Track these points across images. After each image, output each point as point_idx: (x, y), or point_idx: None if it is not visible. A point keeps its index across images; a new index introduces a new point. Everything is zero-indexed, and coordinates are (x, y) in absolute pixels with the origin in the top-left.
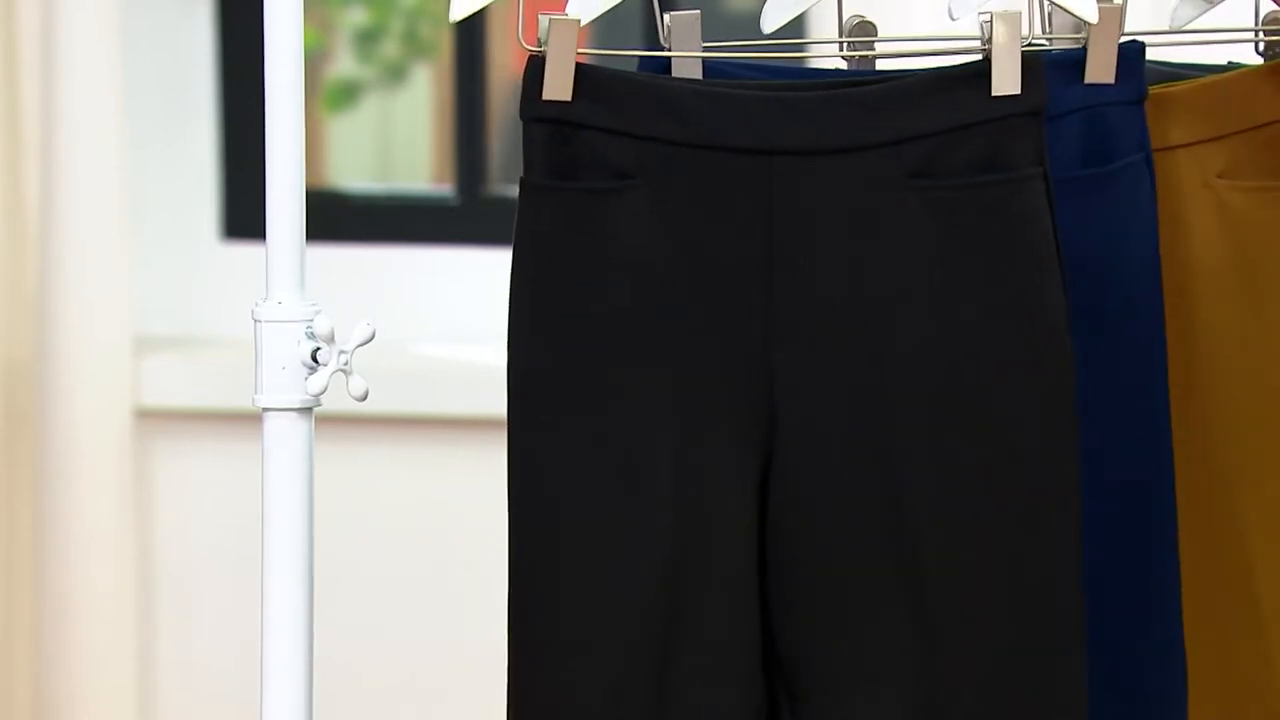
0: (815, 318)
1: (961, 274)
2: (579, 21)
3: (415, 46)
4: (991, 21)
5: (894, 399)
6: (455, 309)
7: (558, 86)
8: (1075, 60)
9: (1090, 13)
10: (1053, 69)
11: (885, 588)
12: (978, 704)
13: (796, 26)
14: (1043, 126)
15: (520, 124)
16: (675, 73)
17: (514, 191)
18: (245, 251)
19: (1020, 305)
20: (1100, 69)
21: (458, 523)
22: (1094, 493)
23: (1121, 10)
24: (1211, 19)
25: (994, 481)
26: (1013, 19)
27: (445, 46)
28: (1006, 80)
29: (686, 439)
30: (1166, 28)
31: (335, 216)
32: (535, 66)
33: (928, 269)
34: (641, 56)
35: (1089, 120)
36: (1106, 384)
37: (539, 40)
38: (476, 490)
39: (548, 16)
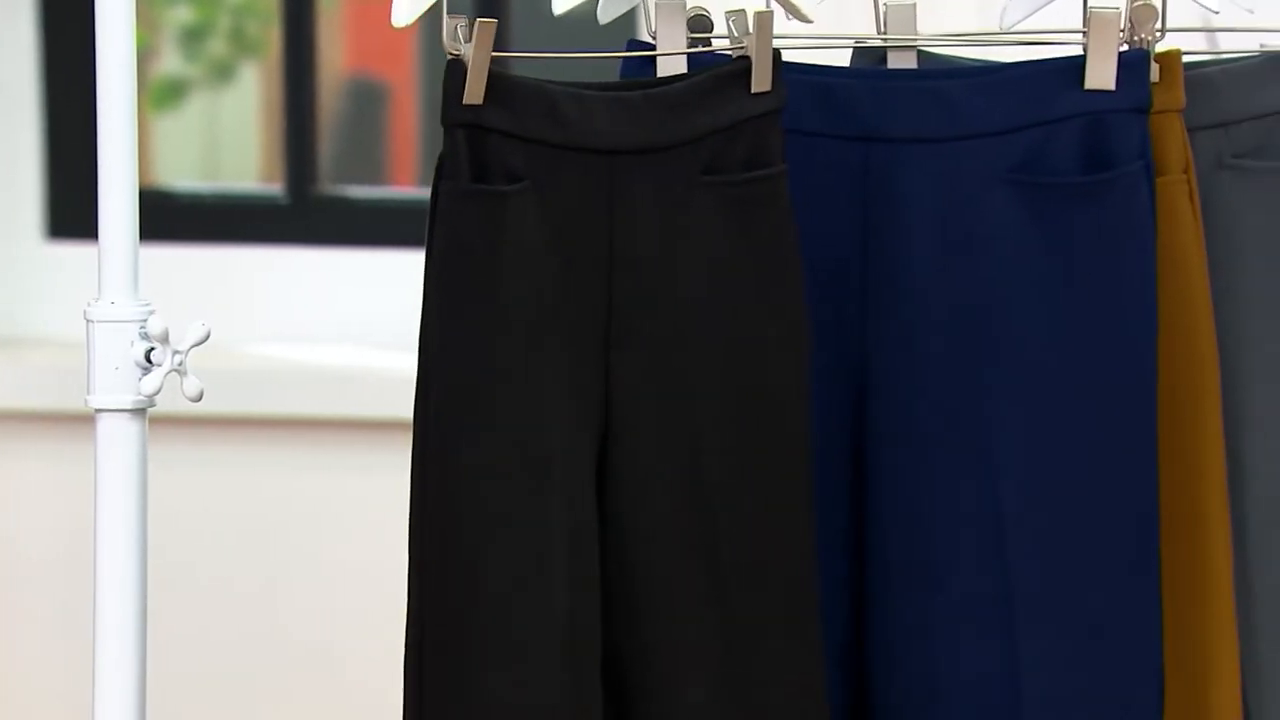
0: (641, 316)
1: (739, 268)
2: (495, 23)
3: (242, 44)
4: (751, 22)
5: (695, 395)
6: (287, 309)
7: (475, 91)
8: (1076, 66)
9: (808, 12)
10: (1053, 74)
11: (696, 585)
12: (773, 694)
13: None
14: (779, 121)
15: (346, 124)
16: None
17: (345, 190)
18: (71, 251)
19: (771, 298)
20: (1100, 75)
21: (294, 523)
22: (1078, 507)
23: (1120, 15)
24: (1039, 20)
25: (758, 470)
26: (764, 19)
27: (273, 44)
28: (763, 80)
29: (561, 438)
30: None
31: (163, 216)
32: (458, 71)
33: (719, 264)
34: (547, 58)
35: (1088, 127)
36: (1096, 390)
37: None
38: (313, 490)
39: (455, 20)
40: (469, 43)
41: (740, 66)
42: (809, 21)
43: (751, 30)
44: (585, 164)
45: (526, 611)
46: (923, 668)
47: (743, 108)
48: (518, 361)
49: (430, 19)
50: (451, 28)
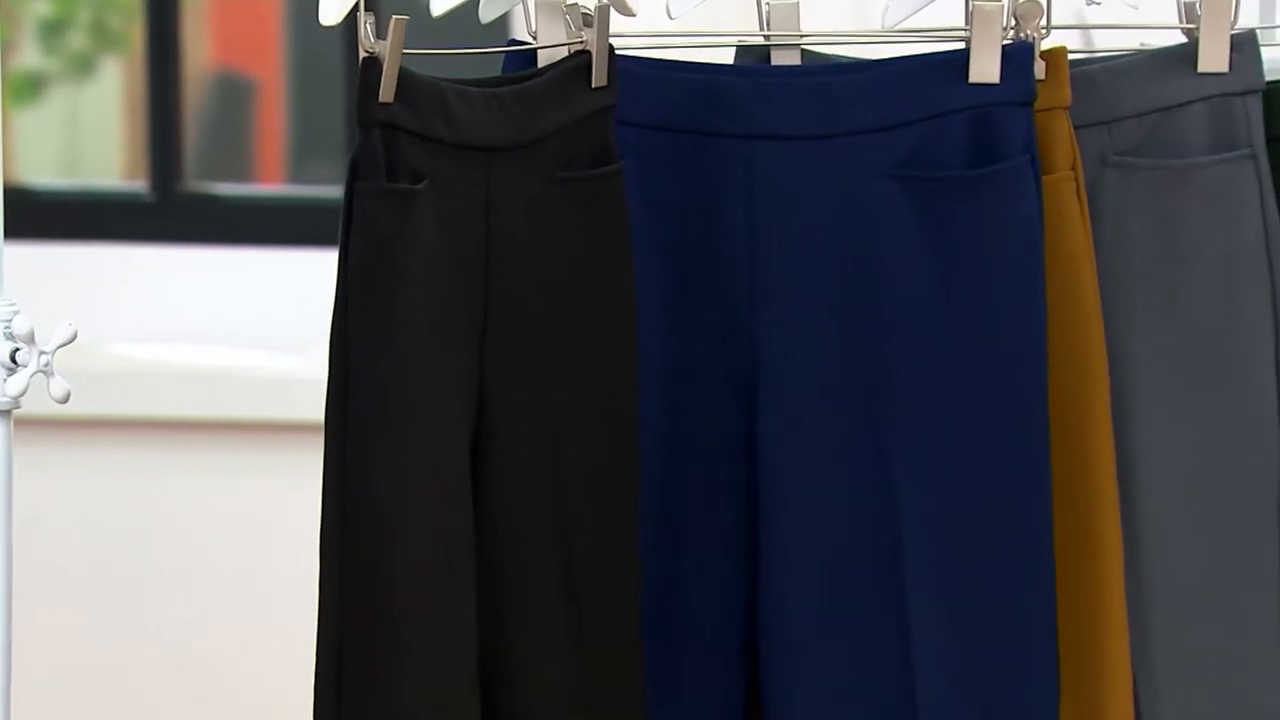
0: (511, 316)
1: (591, 266)
2: (407, 20)
3: (104, 38)
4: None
5: (556, 394)
6: (154, 308)
7: (389, 90)
8: (960, 60)
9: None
10: (937, 68)
11: (552, 581)
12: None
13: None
14: (613, 116)
15: (211, 119)
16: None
17: (211, 188)
18: None
19: (613, 297)
20: (984, 69)
21: (162, 524)
22: (968, 498)
23: (1003, 9)
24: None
25: (604, 467)
26: (602, 13)
27: (136, 38)
28: (601, 74)
29: (457, 440)
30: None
31: (25, 214)
32: (375, 70)
33: (575, 262)
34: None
35: (973, 121)
36: (986, 385)
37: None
38: (182, 492)
39: (368, 17)
40: (382, 40)
41: (584, 61)
42: (632, 15)
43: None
44: (469, 162)
45: (444, 617)
46: (817, 670)
47: (585, 103)
48: (428, 363)
49: (299, 10)
50: (366, 25)
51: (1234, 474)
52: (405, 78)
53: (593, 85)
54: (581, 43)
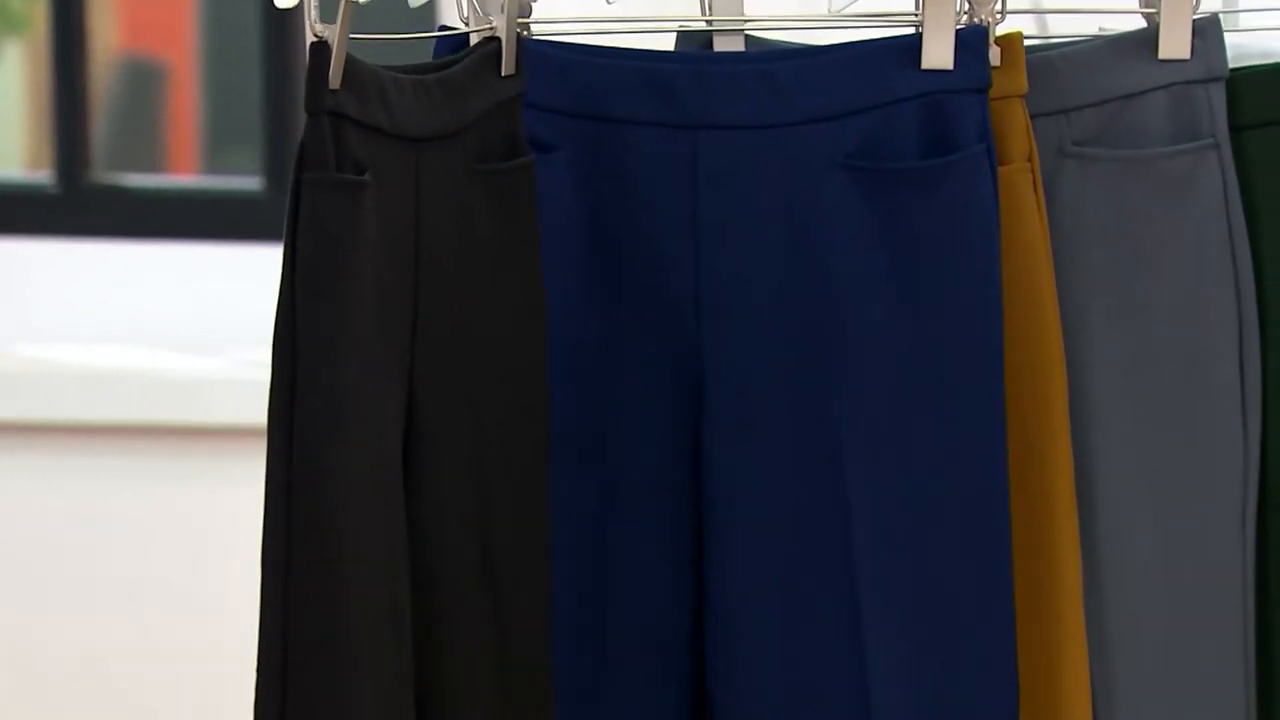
0: (436, 312)
1: (508, 260)
2: (355, 2)
3: (5, 20)
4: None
5: (478, 394)
6: (60, 307)
7: (337, 76)
8: (912, 45)
9: None
10: (888, 54)
11: (476, 584)
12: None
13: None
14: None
15: (120, 106)
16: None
17: (121, 179)
18: None
19: (524, 294)
20: (937, 55)
21: (59, 529)
22: (922, 500)
23: None
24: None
25: (520, 468)
26: None
27: (39, 20)
28: (510, 62)
29: (395, 441)
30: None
31: None
32: (324, 55)
33: (493, 256)
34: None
35: (926, 109)
36: (940, 384)
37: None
38: (89, 499)
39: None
40: (328, 24)
41: (496, 48)
42: None
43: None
44: (402, 153)
45: (391, 622)
46: (766, 676)
47: (497, 91)
48: (375, 364)
49: None
50: (312, 8)
51: (1197, 479)
52: (349, 64)
53: (501, 73)
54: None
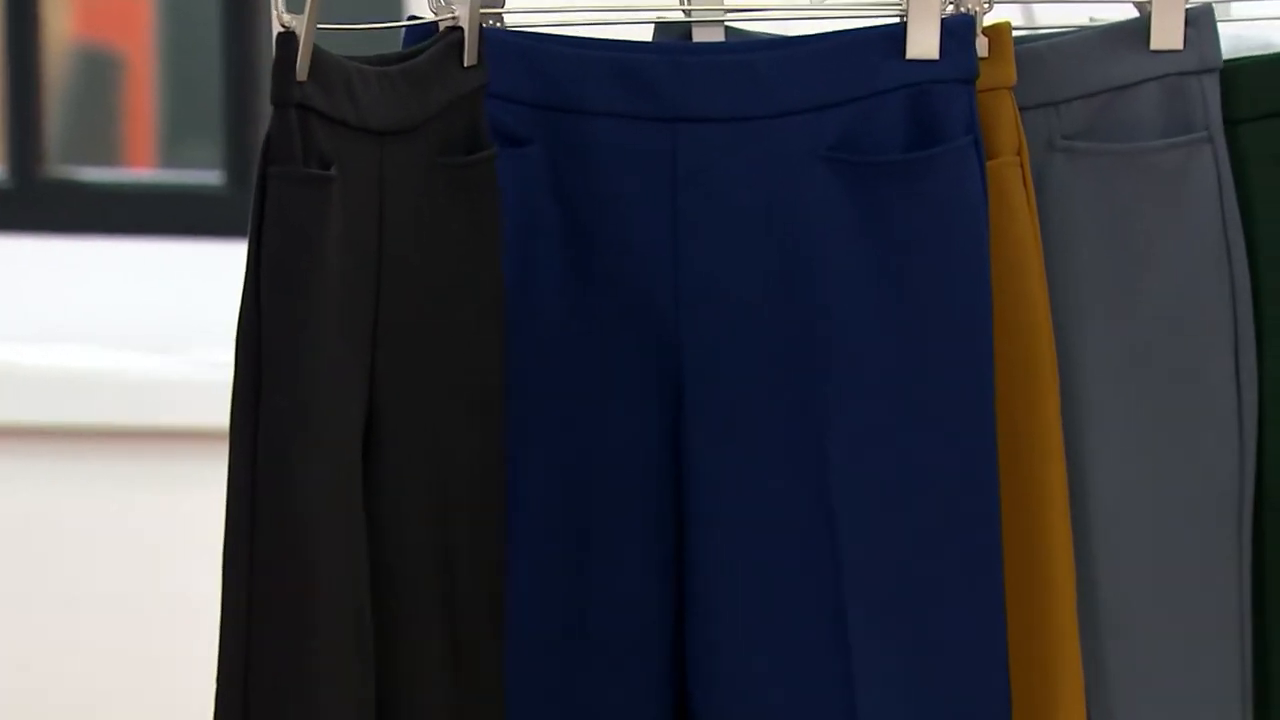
0: (399, 314)
1: (471, 257)
2: None
3: None
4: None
5: (438, 394)
6: (12, 305)
7: (304, 66)
8: (896, 35)
9: None
10: (871, 44)
11: (433, 587)
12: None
13: None
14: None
15: (75, 98)
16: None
17: (76, 173)
18: None
19: (484, 292)
20: (922, 44)
21: (7, 536)
22: (911, 505)
23: None
24: None
25: (478, 468)
26: None
27: None
28: (473, 52)
29: (357, 443)
30: None
31: None
32: (291, 45)
33: (455, 255)
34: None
35: (911, 100)
36: (929, 385)
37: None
38: (32, 503)
39: None
40: (295, 14)
41: (459, 38)
42: None
43: None
44: (367, 146)
45: (354, 626)
46: (749, 684)
47: (460, 83)
48: (341, 364)
49: None
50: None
51: (1192, 477)
52: (315, 55)
53: (464, 64)
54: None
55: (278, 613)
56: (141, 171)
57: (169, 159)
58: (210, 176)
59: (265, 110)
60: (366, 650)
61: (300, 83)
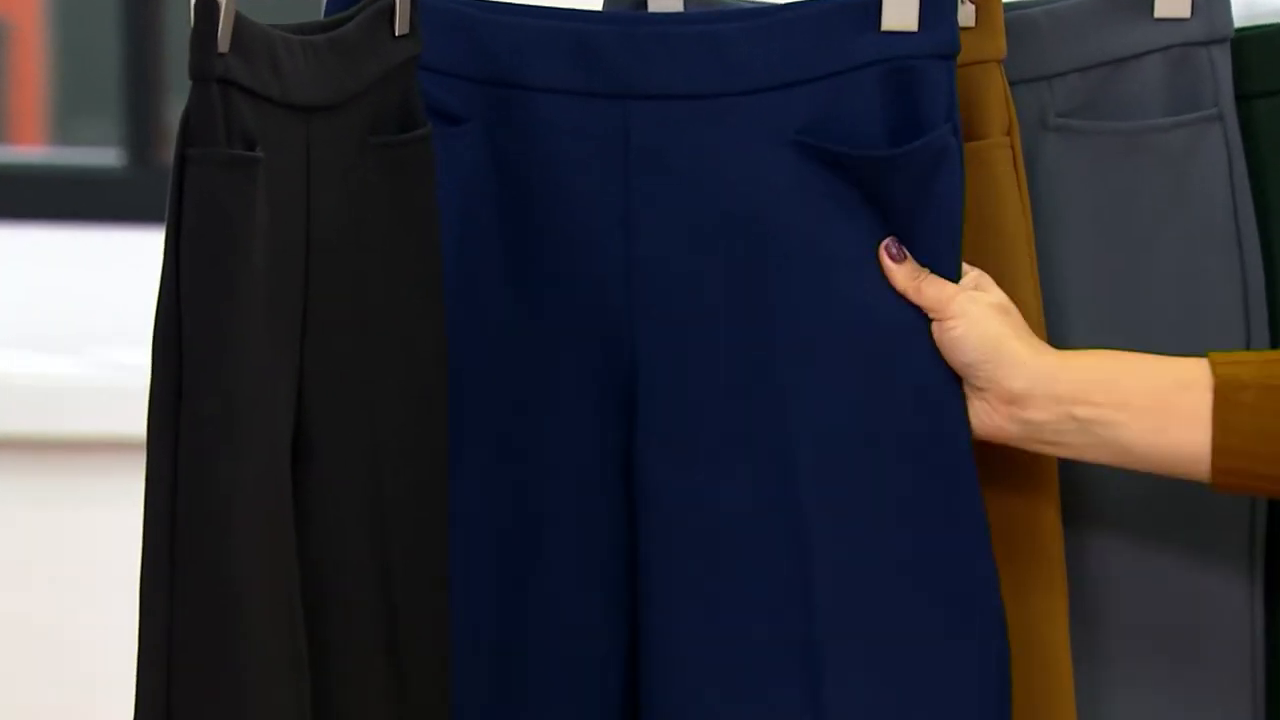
0: (329, 307)
1: (403, 242)
2: None
3: None
4: None
5: (372, 390)
6: None
7: (225, 37)
8: (870, 4)
9: None
10: (844, 14)
11: (369, 600)
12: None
13: None
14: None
15: None
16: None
17: None
18: None
19: (421, 277)
20: (899, 14)
21: None
22: (885, 517)
23: None
24: None
25: (419, 463)
26: None
27: None
28: (404, 20)
29: (287, 441)
30: None
31: None
32: (211, 14)
33: (386, 237)
34: None
35: (887, 77)
36: (901, 390)
37: None
38: None
39: None
40: None
41: (389, 4)
42: None
43: None
44: (292, 124)
45: (289, 638)
46: (707, 717)
47: (391, 54)
48: (268, 362)
49: None
50: None
51: (1197, 489)
52: (238, 23)
53: (395, 34)
54: None
55: (202, 641)
56: (30, 150)
57: (61, 136)
58: (106, 156)
59: (170, 82)
60: (302, 675)
61: (221, 55)
